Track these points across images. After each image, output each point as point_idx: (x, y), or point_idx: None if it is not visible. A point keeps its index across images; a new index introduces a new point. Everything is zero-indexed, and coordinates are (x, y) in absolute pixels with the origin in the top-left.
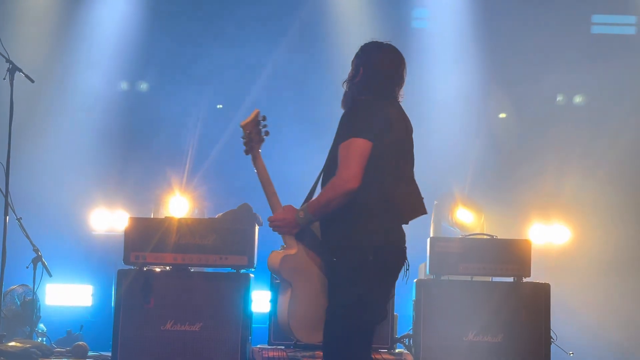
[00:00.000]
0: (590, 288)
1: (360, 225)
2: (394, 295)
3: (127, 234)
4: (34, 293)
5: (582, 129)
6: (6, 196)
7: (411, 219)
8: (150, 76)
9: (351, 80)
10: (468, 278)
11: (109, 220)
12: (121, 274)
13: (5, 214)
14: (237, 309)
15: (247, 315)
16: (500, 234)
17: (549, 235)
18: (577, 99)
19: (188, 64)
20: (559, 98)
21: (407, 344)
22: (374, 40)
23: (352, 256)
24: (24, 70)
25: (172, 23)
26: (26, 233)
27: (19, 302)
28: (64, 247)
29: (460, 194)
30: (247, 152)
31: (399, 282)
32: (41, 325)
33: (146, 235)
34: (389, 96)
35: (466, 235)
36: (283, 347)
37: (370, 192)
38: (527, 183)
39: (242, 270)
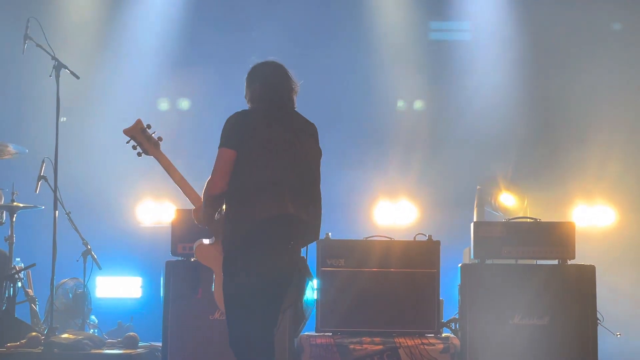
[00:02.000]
0: (635, 269)
1: (229, 219)
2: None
3: (174, 226)
4: (85, 286)
5: (629, 110)
6: (55, 191)
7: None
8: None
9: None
10: (512, 261)
11: (156, 212)
12: (169, 266)
13: (55, 208)
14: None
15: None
16: (544, 217)
17: (593, 217)
18: None
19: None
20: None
21: (453, 328)
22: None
23: (225, 247)
24: (68, 67)
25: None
26: (75, 227)
27: (70, 295)
28: (112, 240)
29: (503, 179)
30: (140, 155)
31: (445, 266)
32: (93, 317)
33: (193, 227)
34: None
35: (509, 219)
36: (330, 334)
37: (234, 193)
38: (571, 165)
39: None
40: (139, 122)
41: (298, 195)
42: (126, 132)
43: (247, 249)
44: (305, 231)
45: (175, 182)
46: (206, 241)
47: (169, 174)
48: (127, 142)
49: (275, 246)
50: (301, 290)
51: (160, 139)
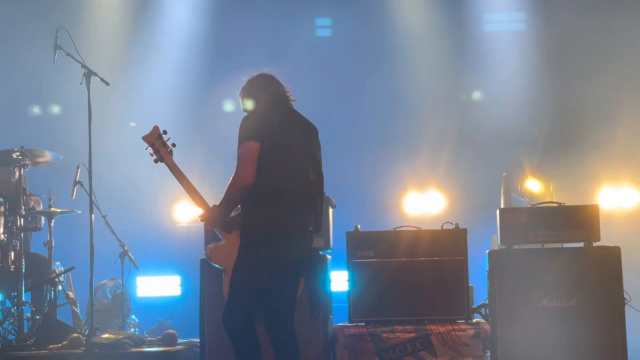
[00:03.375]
0: None
1: (253, 217)
2: (298, 289)
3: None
4: (124, 286)
5: None
6: (90, 195)
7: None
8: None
9: None
10: (539, 246)
11: (192, 212)
12: (203, 264)
13: (91, 212)
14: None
15: (327, 295)
16: (571, 201)
17: (618, 199)
18: None
19: None
20: None
21: (483, 313)
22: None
23: (246, 245)
24: (99, 74)
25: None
26: (112, 229)
27: (110, 296)
28: (149, 240)
29: (529, 165)
30: (156, 161)
31: (474, 253)
32: (133, 317)
33: None
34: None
35: (534, 204)
36: (363, 324)
37: (259, 184)
38: (596, 148)
39: (320, 252)
40: (156, 128)
41: (314, 186)
42: (145, 138)
43: (272, 237)
44: (318, 220)
45: (185, 189)
46: (213, 243)
47: (179, 181)
48: (146, 149)
49: (296, 233)
50: (315, 277)
51: (173, 145)
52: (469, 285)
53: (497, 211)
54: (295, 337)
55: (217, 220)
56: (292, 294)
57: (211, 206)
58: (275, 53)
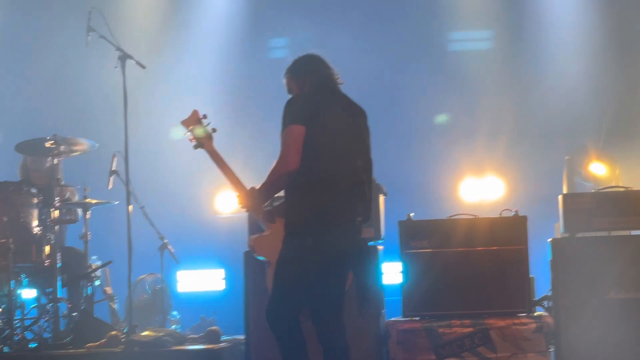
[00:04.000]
0: None
1: (298, 205)
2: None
3: (251, 215)
4: (163, 281)
5: None
6: (127, 185)
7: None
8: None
9: None
10: (605, 233)
11: (235, 202)
12: (247, 256)
13: (128, 203)
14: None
15: (379, 288)
16: (639, 185)
17: None
18: None
19: None
20: None
21: (546, 306)
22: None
23: (290, 236)
24: (134, 57)
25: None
26: (150, 221)
27: (149, 291)
28: (190, 232)
29: (594, 147)
30: (196, 147)
31: (535, 242)
32: (174, 313)
33: None
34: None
35: (599, 189)
36: (418, 318)
37: (305, 171)
38: None
39: (370, 243)
40: (195, 112)
41: (362, 173)
42: (184, 123)
43: (317, 226)
44: (367, 209)
45: (226, 177)
46: (257, 234)
47: (219, 169)
48: (185, 134)
49: (344, 223)
50: (365, 269)
51: (214, 130)
52: (530, 276)
53: (560, 197)
54: (344, 333)
55: (254, 204)
56: (340, 287)
57: (249, 188)
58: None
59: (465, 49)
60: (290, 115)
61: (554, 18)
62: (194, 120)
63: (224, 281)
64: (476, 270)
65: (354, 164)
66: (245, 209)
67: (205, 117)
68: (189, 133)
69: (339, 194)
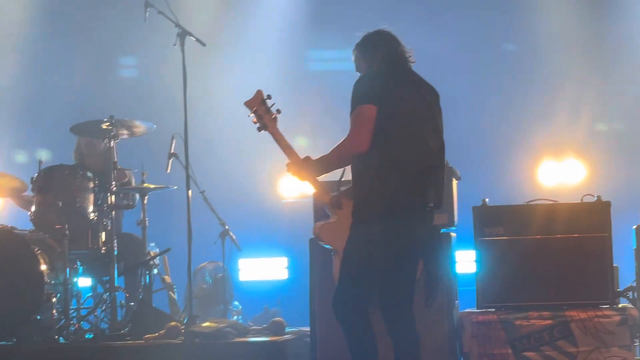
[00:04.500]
0: None
1: (367, 191)
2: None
3: (316, 200)
4: (225, 269)
5: None
6: (187, 169)
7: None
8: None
9: None
10: None
11: (300, 186)
12: (313, 243)
13: (187, 188)
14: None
15: (451, 277)
16: None
17: None
18: None
19: None
20: None
21: (630, 297)
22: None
23: (359, 223)
24: (194, 34)
25: None
26: (211, 207)
27: (210, 280)
28: (252, 218)
29: None
30: (259, 129)
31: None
32: (236, 303)
33: None
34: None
35: None
36: (493, 310)
37: (377, 156)
38: None
39: (443, 230)
40: (259, 93)
41: (435, 157)
42: (247, 104)
43: (387, 213)
44: (439, 195)
45: (290, 160)
46: (323, 221)
47: (283, 151)
48: (249, 116)
49: (415, 210)
50: (435, 258)
51: (278, 111)
52: (614, 265)
53: None
54: (414, 325)
55: (305, 173)
56: (411, 277)
57: (303, 157)
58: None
59: (544, 27)
60: (361, 94)
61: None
62: (257, 100)
63: (287, 270)
64: (555, 259)
65: (426, 146)
66: (298, 178)
67: (269, 97)
68: (253, 114)
69: (410, 178)
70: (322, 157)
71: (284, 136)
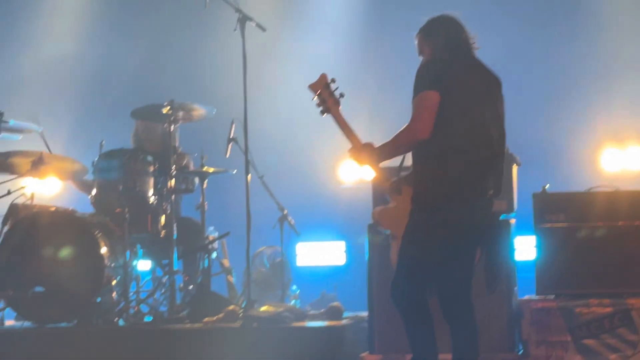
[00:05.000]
0: None
1: (428, 177)
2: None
3: (375, 185)
4: (283, 254)
5: None
6: (246, 154)
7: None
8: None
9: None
10: None
11: (359, 171)
12: (371, 229)
13: (246, 172)
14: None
15: (511, 264)
16: None
17: None
18: None
19: None
20: None
21: None
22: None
23: (418, 210)
24: (255, 19)
25: None
26: (270, 191)
27: (268, 264)
28: (311, 203)
29: None
30: (322, 113)
31: None
32: (293, 287)
33: None
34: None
35: None
36: (553, 297)
37: (438, 142)
38: None
39: (502, 216)
40: (323, 76)
41: (496, 144)
42: (312, 87)
43: (447, 200)
44: (498, 182)
45: (352, 144)
46: (382, 206)
47: (345, 135)
48: (313, 99)
49: (475, 197)
50: (495, 245)
51: (341, 95)
52: None
53: None
54: (472, 311)
55: (367, 158)
56: (470, 264)
57: (364, 143)
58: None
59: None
60: (424, 80)
61: None
62: (321, 84)
63: (345, 254)
64: (617, 246)
65: (488, 134)
66: (357, 163)
67: (333, 81)
68: (316, 97)
69: (472, 166)
70: (384, 143)
71: (346, 120)
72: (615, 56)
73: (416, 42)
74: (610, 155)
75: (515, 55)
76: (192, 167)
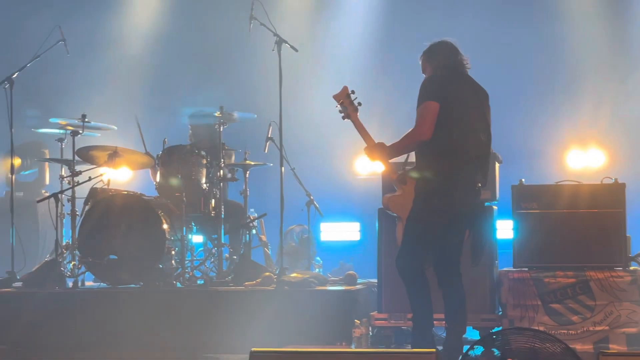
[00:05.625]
0: None
1: (428, 171)
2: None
3: (384, 177)
4: (309, 231)
5: None
6: (281, 150)
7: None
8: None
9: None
10: None
11: (371, 165)
12: (381, 213)
13: (281, 165)
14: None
15: (493, 242)
16: None
17: None
18: None
19: None
20: None
21: None
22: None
23: (420, 197)
24: (288, 42)
25: None
26: (299, 180)
27: (297, 240)
28: (332, 190)
29: None
30: (344, 118)
31: (631, 207)
32: (318, 258)
33: None
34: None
35: None
36: (527, 269)
37: (437, 143)
38: None
39: (487, 203)
40: (345, 88)
41: (484, 146)
42: (335, 97)
43: (445, 190)
44: (485, 176)
45: (367, 144)
46: (390, 194)
47: (361, 136)
48: (336, 107)
49: (466, 188)
50: (480, 227)
51: (359, 104)
52: (627, 235)
53: None
54: (461, 280)
55: (379, 155)
56: (459, 241)
57: (377, 143)
58: (444, 12)
59: (568, 21)
60: (427, 92)
61: None
62: (343, 95)
63: (359, 232)
64: (579, 229)
65: (478, 137)
66: (370, 158)
67: (353, 92)
68: (339, 105)
69: (464, 163)
70: (393, 143)
71: (363, 124)
72: (578, 70)
73: (420, 62)
74: (575, 155)
75: (499, 70)
76: (232, 160)
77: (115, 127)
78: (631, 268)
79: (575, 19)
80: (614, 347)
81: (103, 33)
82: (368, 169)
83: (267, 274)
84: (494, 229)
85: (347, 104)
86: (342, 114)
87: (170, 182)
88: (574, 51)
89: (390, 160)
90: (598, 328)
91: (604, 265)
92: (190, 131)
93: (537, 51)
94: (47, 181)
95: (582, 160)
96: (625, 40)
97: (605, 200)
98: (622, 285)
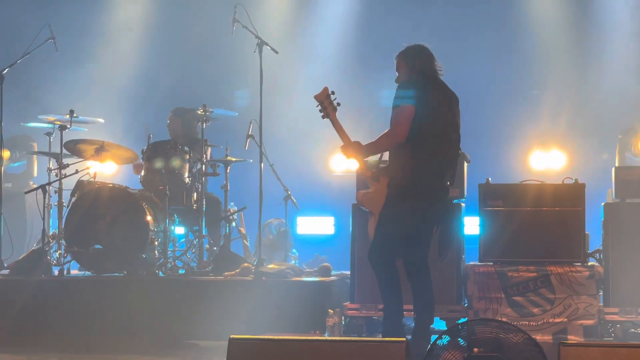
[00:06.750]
0: None
1: (403, 170)
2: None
3: (358, 174)
4: (286, 224)
5: None
6: (260, 147)
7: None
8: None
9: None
10: None
11: (346, 163)
12: (355, 208)
13: (260, 161)
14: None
15: (460, 237)
16: None
17: None
18: None
19: None
20: None
21: (597, 257)
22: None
23: (393, 194)
24: (269, 44)
25: None
26: (278, 176)
27: (275, 232)
28: (308, 186)
29: None
30: (323, 117)
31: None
32: (294, 251)
33: None
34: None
35: None
36: (492, 264)
37: (413, 140)
38: None
39: (455, 201)
40: (325, 89)
41: (454, 147)
42: (316, 97)
43: (417, 188)
44: (453, 175)
45: (343, 142)
46: (364, 190)
47: (339, 135)
48: (317, 107)
49: (437, 186)
50: (448, 224)
51: (338, 104)
52: (586, 233)
53: (613, 169)
54: (429, 273)
55: (354, 153)
56: (429, 236)
57: (353, 141)
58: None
59: (531, 25)
60: (403, 96)
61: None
62: (324, 95)
63: (334, 227)
64: (541, 226)
65: (448, 138)
66: (346, 156)
67: (333, 93)
68: (319, 105)
69: (437, 163)
70: (369, 143)
71: (340, 124)
72: (540, 75)
73: (396, 61)
74: (538, 156)
75: (470, 77)
76: (208, 157)
77: (102, 120)
78: (589, 264)
79: (538, 23)
80: (572, 338)
81: (90, 29)
82: (343, 166)
83: (246, 264)
84: (461, 225)
85: (327, 104)
86: (322, 114)
87: (154, 176)
88: (536, 56)
89: (364, 159)
90: (557, 320)
91: (563, 261)
92: (169, 127)
93: (502, 56)
94: (35, 173)
95: (545, 161)
96: (584, 45)
97: (567, 200)
98: (581, 279)
